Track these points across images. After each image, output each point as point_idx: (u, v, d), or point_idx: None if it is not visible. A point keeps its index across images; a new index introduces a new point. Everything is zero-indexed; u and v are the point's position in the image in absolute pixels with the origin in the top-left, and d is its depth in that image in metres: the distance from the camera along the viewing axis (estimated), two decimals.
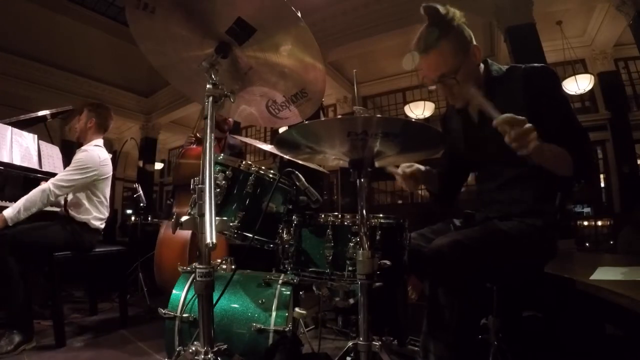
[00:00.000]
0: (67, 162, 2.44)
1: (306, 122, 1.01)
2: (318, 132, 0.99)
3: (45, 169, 2.77)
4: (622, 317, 1.14)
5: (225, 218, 1.24)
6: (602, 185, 6.89)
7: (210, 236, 0.83)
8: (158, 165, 10.81)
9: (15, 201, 2.45)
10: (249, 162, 1.37)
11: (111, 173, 2.34)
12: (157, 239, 2.63)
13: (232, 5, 0.99)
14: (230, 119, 2.94)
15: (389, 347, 1.72)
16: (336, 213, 1.19)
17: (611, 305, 1.08)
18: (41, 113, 3.19)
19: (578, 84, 5.86)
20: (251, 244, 1.29)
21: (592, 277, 1.30)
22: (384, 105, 8.90)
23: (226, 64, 1.11)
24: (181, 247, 2.42)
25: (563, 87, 5.80)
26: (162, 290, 2.64)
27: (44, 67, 7.97)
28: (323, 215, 1.20)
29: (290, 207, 1.40)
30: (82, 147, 2.26)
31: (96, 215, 2.24)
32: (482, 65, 1.30)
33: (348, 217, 1.17)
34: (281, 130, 1.07)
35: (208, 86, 1.01)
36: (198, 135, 2.88)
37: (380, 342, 1.00)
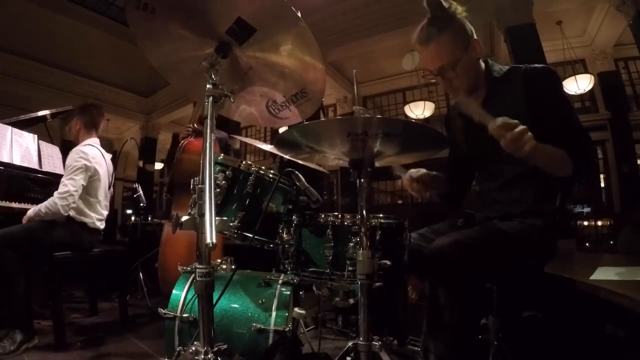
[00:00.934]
0: None
1: (306, 122, 1.01)
2: (318, 132, 0.99)
3: (45, 169, 2.77)
4: (622, 317, 1.14)
5: (225, 218, 1.24)
6: (602, 185, 6.89)
7: (210, 236, 0.83)
8: (158, 165, 10.80)
9: (15, 201, 2.47)
10: (249, 162, 1.37)
11: (104, 171, 2.30)
12: (160, 238, 2.62)
13: (232, 5, 0.99)
14: None
15: (389, 347, 1.72)
16: (336, 213, 1.19)
17: (611, 305, 1.08)
18: (41, 113, 3.19)
19: (578, 84, 5.86)
20: (251, 244, 1.29)
21: (592, 277, 1.30)
22: (384, 105, 8.90)
23: (226, 64, 1.11)
24: (187, 247, 2.39)
25: (564, 88, 5.81)
26: (165, 292, 2.64)
27: (44, 67, 7.97)
28: (323, 215, 1.20)
29: (290, 207, 1.40)
30: (72, 149, 2.25)
31: (95, 216, 2.23)
32: (483, 65, 1.30)
33: (348, 217, 1.17)
34: (281, 130, 1.07)
35: (208, 86, 1.01)
36: (196, 125, 2.87)
37: (380, 342, 1.00)
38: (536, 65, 1.24)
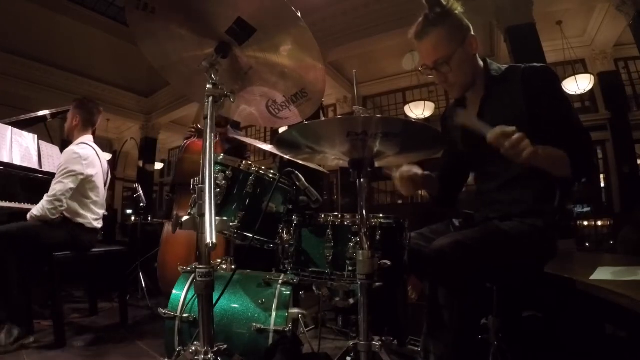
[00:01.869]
0: None
1: (306, 122, 1.01)
2: (318, 132, 0.99)
3: (45, 169, 2.77)
4: (622, 317, 1.14)
5: (225, 218, 1.24)
6: (602, 185, 6.88)
7: (210, 236, 0.83)
8: (158, 165, 10.81)
9: (15, 201, 2.47)
10: (249, 162, 1.37)
11: (98, 171, 2.26)
12: (160, 238, 2.62)
13: (232, 5, 0.99)
14: None
15: (389, 347, 1.72)
16: (336, 213, 1.19)
17: (611, 305, 1.08)
18: (41, 113, 3.19)
19: (578, 84, 5.85)
20: (251, 244, 1.29)
21: (592, 277, 1.30)
22: (384, 105, 8.90)
23: (226, 64, 1.11)
24: (187, 246, 2.38)
25: (563, 87, 5.81)
26: (165, 292, 2.64)
27: (44, 67, 7.97)
28: (323, 215, 1.20)
29: (290, 207, 1.40)
30: (65, 150, 2.22)
31: (91, 216, 2.22)
32: (481, 63, 1.30)
33: (348, 217, 1.17)
34: (281, 130, 1.07)
35: (208, 86, 1.01)
36: (198, 126, 2.86)
37: (380, 342, 1.00)
38: (535, 64, 1.24)
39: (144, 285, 3.06)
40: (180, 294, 1.38)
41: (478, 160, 1.40)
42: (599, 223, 6.73)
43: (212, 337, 0.91)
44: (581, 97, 6.65)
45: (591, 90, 6.33)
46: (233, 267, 1.53)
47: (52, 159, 2.91)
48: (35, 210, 2.04)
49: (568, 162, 1.06)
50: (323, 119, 1.23)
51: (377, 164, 1.11)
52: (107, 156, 2.53)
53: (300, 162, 1.37)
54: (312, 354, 1.53)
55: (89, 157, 2.19)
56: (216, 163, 1.33)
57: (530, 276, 1.30)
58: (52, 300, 2.10)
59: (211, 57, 1.04)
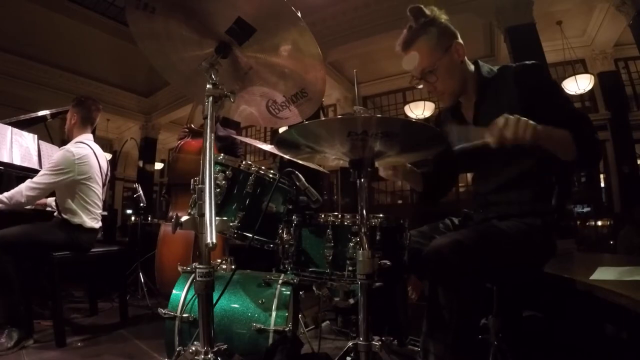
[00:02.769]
0: None
1: (306, 122, 1.01)
2: (318, 132, 0.99)
3: None
4: (622, 317, 1.14)
5: (225, 218, 1.24)
6: (602, 185, 6.89)
7: (210, 236, 0.83)
8: (158, 165, 10.81)
9: None
10: (249, 162, 1.37)
11: (95, 170, 2.24)
12: (157, 238, 2.61)
13: (232, 5, 0.99)
14: None
15: (389, 347, 1.72)
16: (336, 213, 1.19)
17: (611, 305, 1.08)
18: (41, 113, 3.19)
19: (578, 84, 5.85)
20: (251, 244, 1.29)
21: (592, 277, 1.30)
22: (384, 105, 8.90)
23: (226, 64, 1.11)
24: (184, 247, 2.37)
25: (563, 87, 5.81)
26: (162, 292, 2.63)
27: (44, 67, 7.97)
28: (323, 215, 1.20)
29: (290, 207, 1.40)
30: (62, 147, 2.21)
31: (90, 216, 2.22)
32: (472, 67, 1.31)
33: (348, 217, 1.17)
34: (281, 130, 1.07)
35: (208, 86, 1.01)
36: (192, 126, 2.86)
37: (380, 342, 1.00)
38: (525, 62, 1.24)
39: (144, 285, 3.06)
40: (180, 294, 1.38)
41: (475, 160, 1.40)
42: (599, 223, 6.73)
43: (212, 337, 0.91)
44: (581, 97, 6.64)
45: (591, 90, 6.33)
46: (233, 267, 1.53)
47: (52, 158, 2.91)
48: (7, 196, 1.99)
49: (572, 140, 1.04)
50: (323, 118, 1.22)
51: (377, 164, 1.11)
52: (107, 156, 2.53)
53: (300, 162, 1.37)
54: (312, 354, 1.54)
55: (83, 156, 2.16)
56: (216, 163, 1.33)
57: (529, 276, 1.30)
58: (52, 300, 2.10)
59: (211, 57, 1.04)
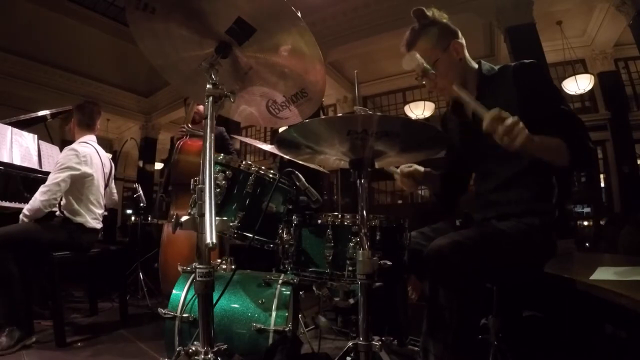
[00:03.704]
0: None
1: (306, 121, 1.01)
2: (318, 131, 0.99)
3: (45, 169, 2.77)
4: (622, 317, 1.14)
5: (225, 218, 1.24)
6: (602, 185, 6.89)
7: (210, 236, 0.83)
8: (158, 165, 10.80)
9: (15, 201, 2.47)
10: (249, 162, 1.37)
11: (97, 169, 2.27)
12: (159, 238, 2.61)
13: (232, 5, 0.99)
14: (200, 108, 2.83)
15: (389, 347, 1.72)
16: (336, 213, 1.19)
17: (611, 305, 1.08)
18: (41, 113, 3.19)
19: (578, 84, 5.86)
20: (251, 244, 1.29)
21: (592, 277, 1.30)
22: (384, 105, 8.90)
23: (226, 64, 1.11)
24: (188, 246, 2.35)
25: (563, 87, 5.82)
26: (166, 292, 2.63)
27: (44, 67, 7.96)
28: (323, 215, 1.20)
29: (290, 207, 1.40)
30: (67, 147, 2.24)
31: (90, 215, 2.23)
32: (475, 66, 1.34)
33: (348, 217, 1.17)
34: (281, 130, 1.07)
35: (208, 86, 1.01)
36: (189, 126, 2.85)
37: (380, 342, 1.00)
38: (524, 60, 1.26)
39: (144, 285, 3.06)
40: (180, 294, 1.38)
41: (475, 160, 1.41)
42: (599, 223, 6.72)
43: (212, 337, 0.91)
44: (581, 97, 6.65)
45: (591, 90, 6.33)
46: (233, 267, 1.53)
47: (52, 159, 2.91)
48: (27, 207, 2.04)
49: (565, 148, 1.06)
50: (323, 117, 1.23)
51: (377, 164, 1.11)
52: (108, 156, 2.54)
53: (300, 162, 1.37)
54: (312, 354, 1.54)
55: (86, 154, 2.20)
56: (216, 163, 1.33)
57: (529, 276, 1.30)
58: (52, 300, 2.10)
59: (211, 57, 1.04)
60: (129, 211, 9.36)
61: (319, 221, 1.20)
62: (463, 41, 1.32)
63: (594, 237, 6.43)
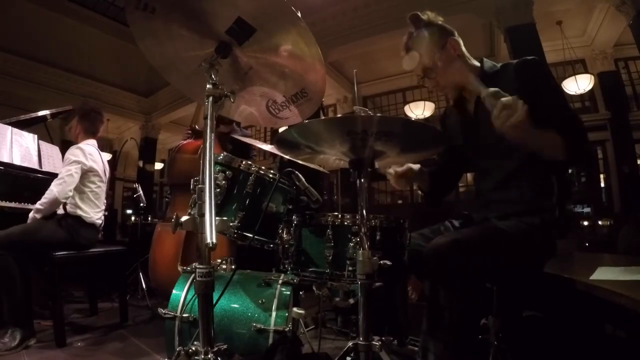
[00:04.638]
0: None
1: (306, 121, 1.01)
2: (318, 131, 0.99)
3: (45, 169, 2.77)
4: (622, 317, 1.14)
5: (225, 218, 1.24)
6: (602, 185, 6.89)
7: (210, 236, 0.83)
8: (158, 165, 10.80)
9: (15, 201, 2.47)
10: (249, 162, 1.37)
11: (100, 167, 2.31)
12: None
13: (232, 5, 0.99)
14: None
15: (389, 347, 1.71)
16: (336, 213, 1.19)
17: (611, 305, 1.08)
18: (41, 113, 3.19)
19: (578, 84, 5.85)
20: (251, 244, 1.29)
21: (592, 277, 1.30)
22: (384, 105, 8.90)
23: (226, 64, 1.11)
24: (174, 246, 2.38)
25: (563, 87, 5.81)
26: (156, 291, 2.64)
27: (44, 67, 7.97)
28: (323, 215, 1.20)
29: (290, 207, 1.40)
30: (70, 147, 2.27)
31: (90, 210, 2.23)
32: (476, 63, 1.36)
33: (348, 217, 1.17)
34: (281, 130, 1.07)
35: (208, 86, 1.01)
36: (196, 127, 2.85)
37: (380, 342, 1.00)
38: (526, 57, 1.26)
39: (144, 285, 3.06)
40: (180, 294, 1.38)
41: (475, 156, 1.41)
42: (599, 223, 6.72)
43: (212, 337, 0.91)
44: (581, 97, 6.65)
45: (591, 90, 6.33)
46: (233, 267, 1.53)
47: (52, 159, 2.91)
48: (42, 200, 2.07)
49: (561, 141, 1.06)
50: (323, 118, 1.24)
51: (377, 164, 1.11)
52: (107, 156, 2.55)
53: (300, 162, 1.37)
54: (312, 354, 1.53)
55: (92, 153, 2.26)
56: (216, 163, 1.33)
57: (529, 276, 1.30)
58: (52, 300, 2.10)
59: (211, 57, 1.04)
60: (129, 211, 9.37)
61: (319, 221, 1.20)
62: (460, 39, 1.35)
63: (594, 237, 6.44)
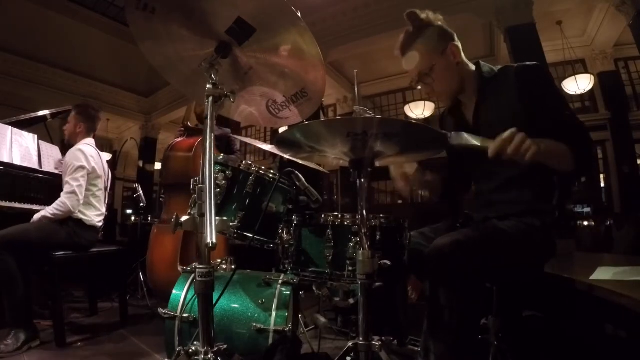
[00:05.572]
0: None
1: (307, 122, 1.01)
2: (318, 132, 0.99)
3: (45, 169, 2.77)
4: (622, 317, 1.14)
5: (225, 218, 1.24)
6: (602, 185, 6.88)
7: (210, 236, 0.83)
8: (158, 165, 10.78)
9: (15, 201, 2.47)
10: (249, 162, 1.37)
11: (100, 168, 2.31)
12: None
13: (232, 5, 0.99)
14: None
15: (389, 347, 1.71)
16: (336, 213, 1.19)
17: (611, 305, 1.08)
18: (41, 113, 3.19)
19: (578, 84, 5.85)
20: (251, 244, 1.29)
21: (592, 277, 1.30)
22: (384, 105, 8.90)
23: (226, 64, 1.11)
24: (172, 250, 2.38)
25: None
26: (156, 292, 2.63)
27: (44, 67, 7.96)
28: (323, 215, 1.20)
29: (290, 207, 1.40)
30: (69, 150, 2.27)
31: (92, 213, 2.24)
32: (473, 67, 1.32)
33: (348, 217, 1.17)
34: (281, 130, 1.07)
35: (208, 86, 1.01)
36: (188, 124, 2.85)
37: (380, 342, 1.00)
38: (527, 63, 1.25)
39: (144, 285, 3.06)
40: (180, 294, 1.38)
41: (474, 160, 1.40)
42: (599, 223, 6.71)
43: (212, 337, 0.91)
44: (581, 97, 6.65)
45: (591, 90, 6.33)
46: (233, 267, 1.53)
47: (52, 159, 2.91)
48: (53, 209, 2.08)
49: (570, 155, 1.06)
50: (323, 119, 1.24)
51: (377, 164, 1.11)
52: (107, 156, 2.55)
53: (300, 162, 1.37)
54: (312, 354, 1.54)
55: (93, 155, 2.26)
56: (216, 163, 1.33)
57: (529, 276, 1.30)
58: (52, 300, 2.10)
59: (211, 57, 1.04)
60: (129, 211, 9.37)
61: (319, 221, 1.20)
62: (459, 44, 1.29)
63: (594, 237, 6.43)
